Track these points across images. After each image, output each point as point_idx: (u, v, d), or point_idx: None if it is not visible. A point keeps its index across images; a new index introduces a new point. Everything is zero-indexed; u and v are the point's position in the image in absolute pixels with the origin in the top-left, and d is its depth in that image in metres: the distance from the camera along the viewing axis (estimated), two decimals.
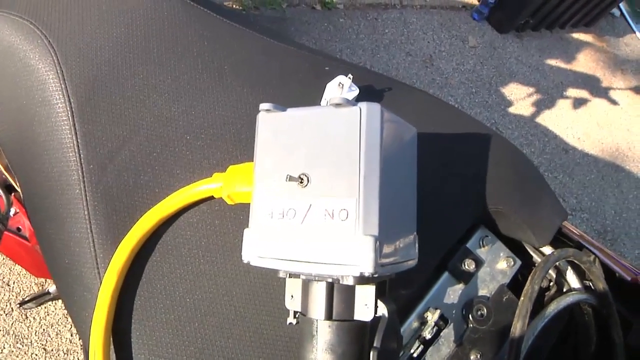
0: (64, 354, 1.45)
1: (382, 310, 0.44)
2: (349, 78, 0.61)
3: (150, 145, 0.61)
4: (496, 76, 2.59)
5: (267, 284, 0.56)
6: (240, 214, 0.46)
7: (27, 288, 1.52)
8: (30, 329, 1.47)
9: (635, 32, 3.52)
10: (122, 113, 0.62)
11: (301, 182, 0.42)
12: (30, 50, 0.64)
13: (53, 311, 1.50)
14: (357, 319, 0.44)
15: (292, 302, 0.47)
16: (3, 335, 1.45)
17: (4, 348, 1.43)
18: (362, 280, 0.42)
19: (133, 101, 0.63)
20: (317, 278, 0.44)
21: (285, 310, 0.48)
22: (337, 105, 0.41)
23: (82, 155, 0.60)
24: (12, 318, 1.48)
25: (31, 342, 1.45)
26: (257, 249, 0.44)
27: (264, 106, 0.46)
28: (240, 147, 0.61)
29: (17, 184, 0.80)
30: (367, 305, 0.44)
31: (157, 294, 0.55)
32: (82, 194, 0.59)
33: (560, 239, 0.70)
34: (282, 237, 0.43)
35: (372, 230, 0.39)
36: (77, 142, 0.61)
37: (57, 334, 1.47)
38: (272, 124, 0.46)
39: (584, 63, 3.00)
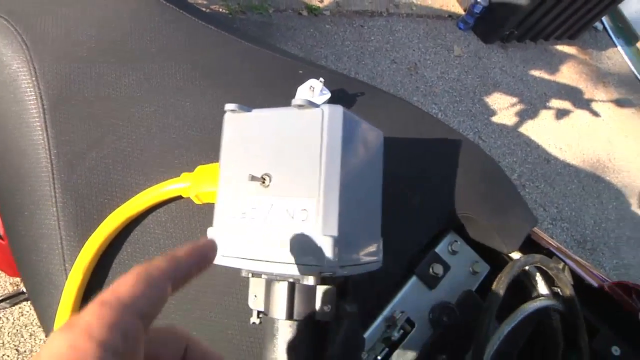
0: None
1: (343, 311, 0.44)
2: (321, 81, 0.62)
3: (121, 145, 0.61)
4: (480, 85, 2.61)
5: (233, 283, 0.56)
6: (208, 213, 0.46)
7: (2, 288, 1.50)
8: (3, 329, 1.45)
9: (617, 46, 3.58)
10: (93, 112, 0.62)
11: (263, 182, 0.43)
12: (3, 46, 0.64)
13: (27, 312, 1.48)
14: (318, 320, 0.44)
15: (256, 302, 0.47)
16: None
17: None
18: (322, 280, 0.43)
19: (105, 100, 0.63)
20: (278, 278, 0.44)
21: (248, 311, 0.48)
22: (300, 106, 0.42)
23: (52, 153, 0.60)
24: None
25: (3, 343, 1.43)
26: (220, 247, 0.45)
27: (229, 106, 0.46)
28: (210, 147, 0.61)
29: None
30: (328, 306, 0.44)
31: None
32: (51, 191, 0.59)
33: (530, 246, 0.71)
34: (244, 237, 0.43)
35: (331, 231, 0.40)
36: (48, 140, 0.61)
37: (30, 335, 1.45)
38: (237, 125, 0.46)
39: (567, 75, 3.04)
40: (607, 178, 2.68)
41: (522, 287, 0.69)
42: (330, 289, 0.44)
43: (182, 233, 0.57)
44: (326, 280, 0.43)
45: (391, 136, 0.63)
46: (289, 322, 0.44)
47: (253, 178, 0.43)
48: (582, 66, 3.19)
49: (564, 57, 3.15)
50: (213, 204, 0.47)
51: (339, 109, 0.42)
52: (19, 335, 1.45)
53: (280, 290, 0.44)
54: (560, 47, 3.18)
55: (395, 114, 0.69)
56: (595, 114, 2.97)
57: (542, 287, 0.66)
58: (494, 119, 2.53)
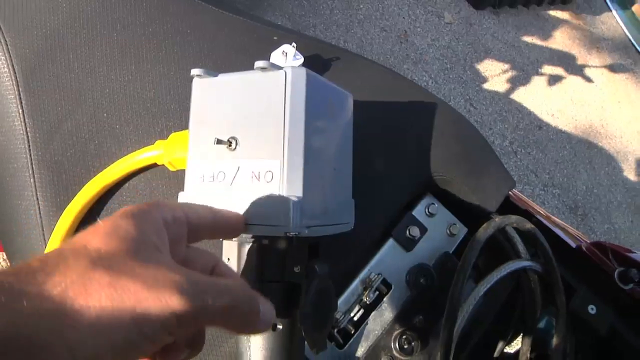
0: None
1: (314, 272, 0.45)
2: (293, 46, 0.62)
3: (96, 115, 0.61)
4: (471, 52, 2.59)
5: (207, 247, 0.57)
6: (183, 179, 0.47)
7: None
8: None
9: (611, 11, 3.54)
10: (67, 83, 0.62)
11: (230, 146, 0.43)
12: None
13: None
14: (289, 280, 0.45)
15: (229, 265, 0.48)
16: None
17: None
18: (291, 241, 0.43)
19: (78, 71, 0.63)
20: (248, 240, 0.45)
21: None
22: (263, 69, 0.42)
23: (27, 125, 0.60)
24: None
25: None
26: None
27: (195, 71, 0.46)
28: (184, 115, 0.61)
29: None
30: (297, 267, 0.45)
31: None
32: (28, 162, 0.59)
33: (509, 208, 0.72)
34: (213, 199, 0.44)
35: (296, 191, 0.40)
36: (23, 111, 0.61)
37: None
38: (204, 90, 0.47)
39: (560, 40, 3.02)
40: (600, 144, 2.69)
41: (502, 251, 0.70)
42: (300, 250, 0.45)
43: (158, 200, 0.58)
44: (295, 241, 0.44)
45: (365, 100, 0.63)
46: (260, 284, 0.45)
47: (219, 142, 0.43)
48: (576, 31, 3.16)
49: (557, 23, 3.11)
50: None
51: (302, 71, 0.42)
52: None
53: (251, 253, 0.45)
54: (553, 13, 3.14)
55: (369, 78, 0.69)
56: (588, 79, 2.95)
57: (520, 249, 0.67)
58: (486, 85, 2.52)
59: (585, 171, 2.53)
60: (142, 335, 0.24)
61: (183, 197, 0.46)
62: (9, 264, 1.17)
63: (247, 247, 0.45)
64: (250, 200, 0.41)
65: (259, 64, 0.42)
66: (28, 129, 0.60)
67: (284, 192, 0.40)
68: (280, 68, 0.42)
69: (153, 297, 0.25)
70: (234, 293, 0.29)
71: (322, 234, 0.45)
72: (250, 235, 0.44)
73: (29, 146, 0.60)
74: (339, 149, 0.49)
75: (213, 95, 0.46)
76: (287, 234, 0.40)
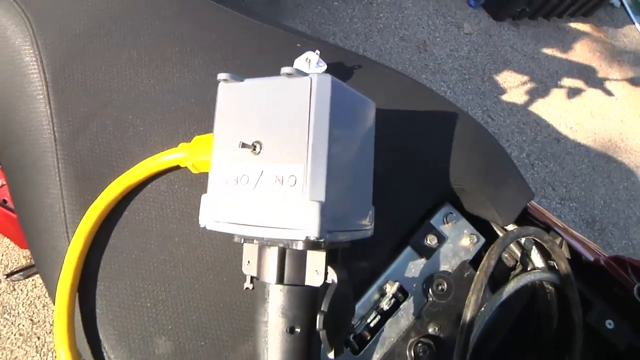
0: (50, 325, 1.47)
1: (333, 277, 0.45)
2: (317, 54, 0.62)
3: (122, 116, 0.62)
4: (490, 63, 2.59)
5: (228, 250, 0.57)
6: (205, 182, 0.48)
7: (15, 261, 1.54)
8: (17, 300, 1.49)
9: (634, 23, 3.51)
10: (95, 83, 0.63)
11: (254, 150, 0.44)
12: (6, 21, 0.66)
13: (40, 284, 1.52)
14: (308, 285, 0.45)
15: (249, 268, 0.49)
16: None
17: None
18: (311, 245, 0.44)
19: (106, 72, 0.64)
20: (269, 243, 0.45)
21: (243, 276, 0.50)
22: (289, 75, 0.43)
23: (55, 124, 0.62)
24: (0, 289, 1.50)
25: (18, 313, 1.47)
26: (213, 213, 0.46)
27: (221, 76, 0.47)
28: (208, 119, 0.62)
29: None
30: (317, 272, 0.45)
31: (123, 257, 0.57)
32: (55, 161, 0.61)
33: (526, 219, 0.71)
34: (236, 203, 0.44)
35: (318, 196, 0.41)
36: (51, 111, 0.62)
37: (43, 306, 1.49)
38: (230, 94, 0.48)
39: (581, 53, 3.00)
40: (619, 158, 2.66)
41: (518, 263, 0.70)
42: (320, 254, 0.45)
43: (180, 202, 0.59)
44: (315, 245, 0.44)
45: (387, 108, 0.63)
46: (280, 287, 0.46)
47: (244, 145, 0.44)
48: (597, 44, 3.14)
49: (578, 35, 3.10)
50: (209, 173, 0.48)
51: (327, 77, 0.43)
52: (33, 306, 1.49)
53: (271, 255, 0.46)
54: (573, 25, 3.13)
55: (390, 86, 0.69)
56: (609, 92, 2.93)
57: (537, 261, 0.67)
58: (504, 97, 2.51)
59: (604, 185, 2.51)
60: None
61: (206, 200, 0.47)
62: (32, 260, 1.19)
63: (268, 250, 0.46)
64: (272, 203, 0.42)
65: (285, 70, 0.42)
66: (55, 127, 0.61)
67: (306, 197, 0.41)
68: (306, 74, 0.43)
69: None
70: None
71: (342, 239, 0.45)
72: (271, 238, 0.44)
73: (56, 145, 0.61)
74: (361, 155, 0.49)
75: (239, 100, 0.47)
76: (308, 238, 0.40)
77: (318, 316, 0.43)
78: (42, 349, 1.44)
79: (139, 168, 0.58)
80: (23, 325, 1.46)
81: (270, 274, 0.46)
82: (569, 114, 2.67)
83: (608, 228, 2.38)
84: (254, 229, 0.43)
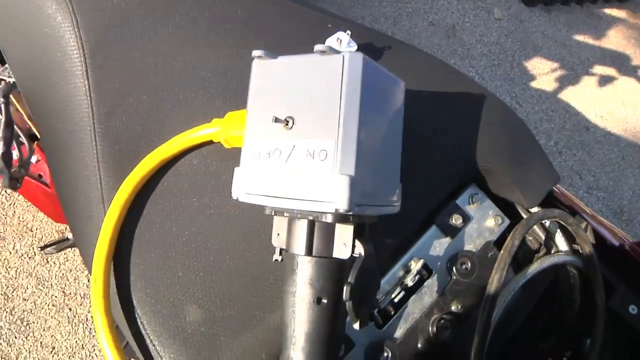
0: (81, 297, 1.52)
1: (360, 250, 0.47)
2: (347, 34, 0.63)
3: (158, 92, 0.64)
4: (520, 49, 2.54)
5: (258, 223, 0.59)
6: (236, 157, 0.49)
7: (49, 234, 1.60)
8: (50, 272, 1.55)
9: None
10: (131, 61, 0.66)
11: (287, 124, 0.45)
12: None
13: (72, 257, 1.57)
14: (336, 257, 0.47)
15: (278, 240, 0.50)
16: (27, 277, 1.53)
17: (27, 289, 1.52)
18: (340, 218, 0.45)
19: (143, 49, 0.66)
20: (299, 215, 0.47)
21: (272, 249, 0.51)
22: (322, 52, 0.44)
23: (92, 99, 0.64)
24: (35, 262, 1.56)
25: (51, 284, 1.53)
26: (245, 186, 0.48)
27: (256, 52, 0.48)
28: (241, 97, 0.64)
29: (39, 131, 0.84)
30: (345, 244, 0.46)
31: (156, 228, 0.59)
32: (92, 134, 0.63)
33: (552, 203, 0.71)
34: (267, 175, 0.46)
35: (348, 170, 0.42)
36: (89, 86, 0.65)
37: (75, 279, 1.54)
38: (264, 70, 0.49)
39: (614, 40, 2.93)
40: None
41: (542, 245, 0.70)
42: (348, 228, 0.46)
43: (212, 176, 0.61)
44: (344, 218, 0.45)
45: (415, 89, 0.64)
46: (308, 258, 0.47)
47: (277, 120, 0.45)
48: (632, 31, 3.05)
49: (612, 21, 3.02)
50: (241, 148, 0.50)
51: (359, 55, 0.44)
52: (65, 278, 1.54)
53: (301, 228, 0.47)
54: (608, 11, 3.04)
55: (419, 68, 0.70)
56: None
57: (561, 244, 0.67)
58: (533, 84, 2.47)
59: (633, 176, 2.46)
60: None
61: (239, 172, 0.49)
62: (68, 236, 1.23)
63: (298, 222, 0.48)
64: (303, 176, 0.43)
65: (318, 47, 0.44)
66: (93, 103, 0.64)
67: (336, 170, 0.42)
68: (338, 52, 0.44)
69: None
70: None
71: (370, 213, 0.46)
72: (301, 211, 0.46)
73: (93, 119, 0.63)
74: (390, 132, 0.50)
75: (272, 76, 0.48)
76: (337, 211, 0.42)
77: (345, 287, 0.45)
78: (73, 320, 1.50)
79: (173, 142, 0.60)
80: (56, 297, 1.52)
81: (299, 245, 0.47)
82: (600, 102, 2.61)
83: (637, 219, 2.34)
84: (284, 201, 0.45)
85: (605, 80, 2.71)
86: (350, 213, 0.42)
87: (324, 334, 0.47)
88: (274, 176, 0.45)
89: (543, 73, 2.55)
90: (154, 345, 0.56)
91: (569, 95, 2.54)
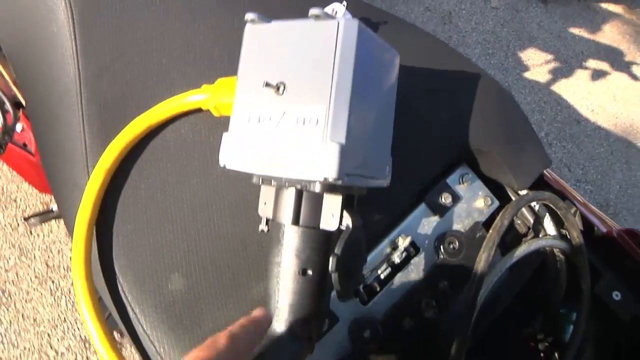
0: (64, 270, 1.51)
1: (347, 221, 0.46)
2: (343, 5, 0.62)
3: (146, 57, 0.63)
4: (515, 39, 2.54)
5: (245, 193, 0.58)
6: (225, 126, 0.48)
7: (33, 206, 1.58)
8: (34, 244, 1.53)
9: None
10: (120, 25, 0.64)
11: (277, 90, 0.44)
12: None
13: (56, 230, 1.55)
14: (323, 228, 0.46)
15: (265, 209, 0.49)
16: (9, 248, 1.51)
17: (10, 259, 1.50)
18: (329, 187, 0.44)
19: (132, 13, 0.64)
20: (287, 184, 0.46)
21: (259, 219, 0.50)
22: (317, 17, 0.43)
23: (80, 63, 0.62)
24: (18, 233, 1.54)
25: (34, 256, 1.51)
26: (233, 152, 0.47)
27: (249, 16, 0.47)
28: (233, 65, 0.62)
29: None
30: (333, 215, 0.46)
31: (141, 195, 0.58)
32: (78, 97, 0.62)
33: (542, 188, 0.71)
34: (256, 142, 0.45)
35: (339, 138, 0.41)
36: (76, 50, 0.63)
37: (59, 252, 1.53)
38: (256, 35, 0.48)
39: (609, 35, 2.93)
40: (639, 144, 2.62)
41: (530, 229, 0.70)
42: (336, 198, 0.46)
43: (200, 144, 0.60)
44: (333, 188, 0.45)
45: (411, 65, 0.63)
46: (295, 228, 0.46)
47: (268, 85, 0.44)
48: (627, 26, 3.05)
49: (608, 16, 3.02)
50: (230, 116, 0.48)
51: (354, 22, 0.42)
52: (48, 250, 1.53)
53: (288, 197, 0.46)
54: (605, 5, 3.04)
55: (415, 44, 0.69)
56: (635, 77, 2.86)
57: (550, 228, 0.67)
58: (526, 74, 2.47)
59: (621, 170, 2.47)
60: None
61: (227, 138, 0.47)
62: (53, 207, 1.22)
63: (285, 191, 0.47)
64: (293, 143, 0.42)
65: (313, 11, 0.42)
66: (80, 65, 0.62)
67: (327, 138, 0.41)
68: (333, 18, 0.43)
69: None
70: None
71: (359, 184, 0.46)
72: (289, 179, 0.45)
73: (80, 82, 0.62)
74: (383, 104, 0.49)
75: (265, 41, 0.47)
76: (326, 179, 0.41)
77: (331, 258, 0.44)
78: (56, 292, 1.49)
79: (161, 108, 0.58)
80: (39, 269, 1.50)
81: (286, 215, 0.46)
82: (592, 95, 2.62)
83: (622, 213, 2.36)
84: (273, 169, 0.44)
85: (598, 75, 2.72)
86: (340, 182, 0.41)
87: (308, 306, 0.47)
88: (263, 143, 0.44)
89: (537, 64, 2.55)
90: (134, 313, 0.55)
91: (562, 88, 2.55)
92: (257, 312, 0.43)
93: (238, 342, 0.37)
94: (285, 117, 0.43)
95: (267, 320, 0.43)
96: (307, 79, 0.43)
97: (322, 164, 0.41)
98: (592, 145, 2.46)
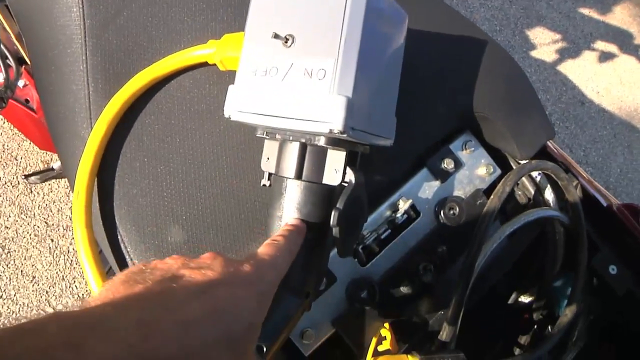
0: (64, 229, 1.51)
1: (350, 178, 0.46)
2: None
3: (153, 9, 0.62)
4: (523, 17, 2.51)
5: (248, 148, 0.58)
6: (230, 81, 0.48)
7: (34, 164, 1.57)
8: (34, 202, 1.53)
9: None
10: None
11: (286, 42, 0.44)
12: None
13: (56, 188, 1.55)
14: (325, 183, 0.46)
15: (267, 164, 0.49)
16: (9, 205, 1.51)
17: (10, 217, 1.50)
18: (333, 141, 0.44)
19: None
20: (291, 138, 0.46)
21: (261, 175, 0.50)
22: None
23: (85, 12, 0.62)
24: (18, 190, 1.54)
25: (34, 214, 1.52)
26: (239, 103, 0.46)
27: None
28: (240, 22, 0.62)
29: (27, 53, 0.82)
30: (336, 171, 0.46)
31: (143, 147, 0.58)
32: (82, 48, 0.61)
33: (545, 159, 0.71)
34: (262, 93, 0.45)
35: (346, 91, 0.41)
36: None
37: (58, 210, 1.53)
38: None
39: (620, 16, 2.89)
40: None
41: (531, 200, 0.70)
42: (340, 154, 0.46)
43: (204, 99, 0.59)
44: (337, 142, 0.44)
45: (418, 28, 0.62)
46: (297, 182, 0.46)
47: (276, 36, 0.44)
48: (638, 9, 3.01)
49: None
50: (236, 71, 0.48)
51: None
52: (48, 209, 1.53)
53: (292, 151, 0.46)
54: None
55: (425, 8, 0.68)
56: None
57: (550, 199, 0.67)
58: (533, 53, 2.45)
59: (623, 154, 2.47)
60: None
61: (233, 90, 0.47)
62: (53, 166, 1.22)
63: (289, 145, 0.47)
64: (300, 95, 0.42)
65: None
66: (85, 15, 0.61)
67: (334, 90, 0.41)
68: None
69: None
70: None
71: (364, 140, 0.45)
72: (294, 130, 0.45)
73: (85, 33, 0.61)
74: (390, 63, 0.49)
75: None
76: (332, 131, 0.41)
77: (333, 212, 0.44)
78: (55, 251, 1.49)
79: (167, 61, 0.58)
80: (38, 227, 1.51)
81: (289, 169, 0.46)
82: (598, 77, 2.60)
83: (621, 197, 2.36)
84: (278, 120, 0.44)
85: (605, 57, 2.69)
86: (344, 135, 0.41)
87: (307, 261, 0.47)
88: (269, 94, 0.44)
89: (544, 43, 2.52)
90: (133, 262, 0.55)
91: (568, 69, 2.52)
92: (296, 221, 0.46)
93: (290, 242, 0.42)
94: (292, 69, 0.43)
95: (304, 229, 0.46)
96: (316, 32, 0.43)
97: (328, 116, 0.40)
98: (595, 128, 2.45)
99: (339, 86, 0.41)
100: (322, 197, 0.47)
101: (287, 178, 0.47)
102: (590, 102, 2.50)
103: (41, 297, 1.46)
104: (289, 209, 0.47)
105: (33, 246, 1.49)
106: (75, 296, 1.47)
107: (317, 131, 0.42)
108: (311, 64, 0.42)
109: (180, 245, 0.55)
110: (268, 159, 0.49)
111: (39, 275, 1.47)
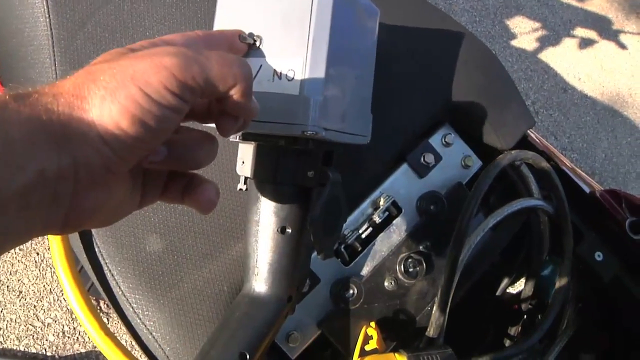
0: (49, 242, 1.49)
1: (326, 177, 0.45)
2: None
3: (120, 15, 0.61)
4: (502, 7, 2.51)
5: (222, 153, 0.57)
6: None
7: None
8: None
9: None
10: None
11: (254, 43, 0.43)
12: None
13: None
14: (301, 185, 0.45)
15: (243, 168, 0.48)
16: None
17: None
18: (307, 144, 0.43)
19: None
20: (265, 141, 0.45)
21: (236, 179, 0.50)
22: None
23: (52, 21, 0.60)
24: None
25: None
26: None
27: None
28: (208, 20, 0.61)
29: None
30: (311, 172, 0.45)
31: None
32: (51, 58, 0.60)
33: (527, 148, 0.71)
34: None
35: (316, 92, 0.40)
36: (48, 8, 0.61)
37: None
38: None
39: (598, 2, 2.91)
40: (625, 113, 2.62)
41: (514, 190, 0.69)
42: (315, 155, 0.45)
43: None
44: (311, 144, 0.44)
45: (392, 23, 0.62)
46: (273, 186, 0.46)
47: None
48: None
49: None
50: None
51: None
52: None
53: (266, 154, 0.45)
54: None
55: (397, 2, 0.67)
56: (622, 46, 2.85)
57: (533, 189, 0.67)
58: (513, 42, 2.45)
59: (607, 139, 2.49)
60: (149, 98, 0.26)
61: None
62: None
63: (263, 149, 0.46)
64: (270, 98, 0.41)
65: None
66: (52, 25, 0.60)
67: (304, 91, 0.40)
68: None
69: (148, 62, 0.27)
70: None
71: (339, 140, 0.45)
72: (267, 134, 0.44)
73: (53, 42, 0.60)
74: (362, 60, 0.48)
75: None
76: (304, 134, 0.40)
77: (309, 215, 0.43)
78: (41, 264, 1.47)
79: None
80: None
81: (264, 173, 0.46)
82: (579, 64, 2.61)
83: (607, 181, 2.38)
84: (250, 124, 0.43)
85: (585, 43, 2.71)
86: (317, 137, 0.40)
87: (287, 264, 0.46)
88: None
89: (524, 32, 2.53)
90: (112, 274, 0.54)
91: (549, 56, 2.53)
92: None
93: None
94: (261, 71, 0.42)
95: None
96: (284, 32, 0.42)
97: (300, 118, 0.40)
98: (578, 114, 2.46)
99: (309, 86, 0.40)
100: (299, 199, 0.46)
101: (262, 182, 0.46)
102: (572, 89, 2.52)
103: (29, 311, 1.44)
104: (266, 214, 0.46)
105: (18, 260, 1.47)
106: (64, 309, 1.45)
107: (290, 133, 0.41)
108: (280, 65, 0.41)
109: (158, 255, 0.54)
110: (243, 162, 0.48)
111: (25, 289, 1.45)
